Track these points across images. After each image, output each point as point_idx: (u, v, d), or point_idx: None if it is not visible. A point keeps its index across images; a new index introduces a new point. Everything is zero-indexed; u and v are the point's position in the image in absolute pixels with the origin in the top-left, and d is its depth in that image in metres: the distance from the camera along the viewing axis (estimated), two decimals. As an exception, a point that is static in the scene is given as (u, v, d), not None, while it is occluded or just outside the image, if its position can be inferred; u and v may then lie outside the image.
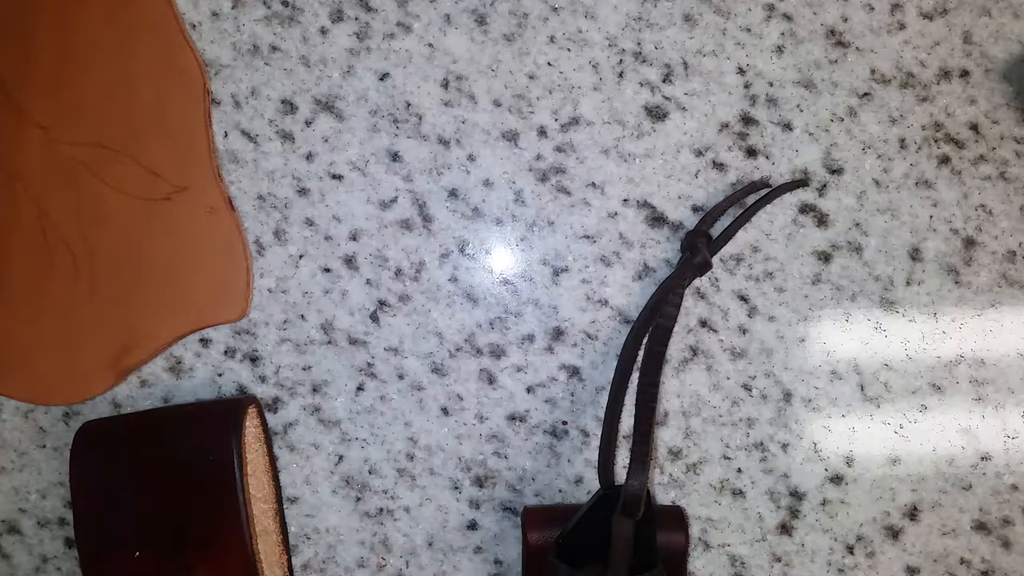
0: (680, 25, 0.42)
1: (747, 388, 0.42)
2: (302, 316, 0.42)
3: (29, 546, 0.43)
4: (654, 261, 0.42)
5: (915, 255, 0.41)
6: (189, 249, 0.42)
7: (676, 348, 0.42)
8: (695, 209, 0.42)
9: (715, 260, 0.42)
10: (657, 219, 0.42)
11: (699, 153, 0.42)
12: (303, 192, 0.42)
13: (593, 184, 0.42)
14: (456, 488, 0.42)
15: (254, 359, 0.42)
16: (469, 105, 0.42)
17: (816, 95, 0.41)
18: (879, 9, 0.41)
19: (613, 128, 0.42)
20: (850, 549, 0.41)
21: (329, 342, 0.42)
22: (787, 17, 0.41)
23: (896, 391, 0.41)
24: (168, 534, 0.37)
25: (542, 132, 0.42)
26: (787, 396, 0.42)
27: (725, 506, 0.42)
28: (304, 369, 0.42)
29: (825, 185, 0.41)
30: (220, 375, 0.42)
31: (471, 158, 0.42)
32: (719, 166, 0.42)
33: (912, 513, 0.41)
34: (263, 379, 0.42)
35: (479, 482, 0.42)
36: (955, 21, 0.41)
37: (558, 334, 0.42)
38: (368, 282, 0.42)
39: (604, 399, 0.42)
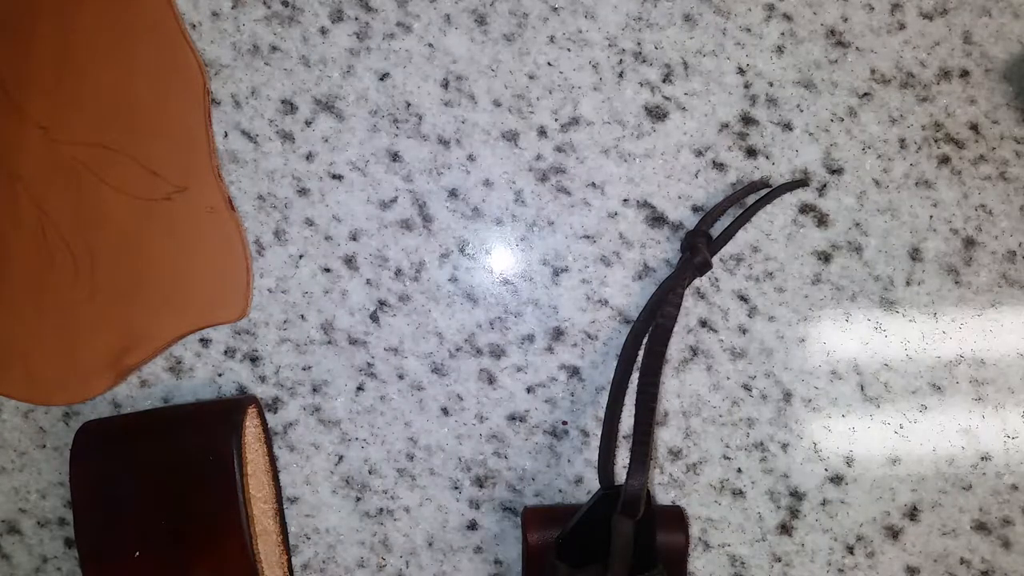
0: (680, 25, 0.42)
1: (747, 388, 0.42)
2: (302, 316, 0.42)
3: (29, 546, 0.43)
4: (654, 261, 0.42)
5: (915, 255, 0.41)
6: (189, 249, 0.42)
7: (676, 348, 0.42)
8: (695, 209, 0.42)
9: (715, 260, 0.42)
10: (657, 219, 0.42)
11: (699, 153, 0.42)
12: (303, 192, 0.42)
13: (593, 184, 0.42)
14: (456, 488, 0.42)
15: (254, 359, 0.42)
16: (469, 105, 0.42)
17: (816, 95, 0.41)
18: (879, 9, 0.41)
19: (613, 128, 0.42)
20: (850, 549, 0.41)
21: (329, 342, 0.42)
22: (787, 17, 0.41)
23: (896, 391, 0.41)
24: (168, 534, 0.37)
25: (542, 132, 0.42)
26: (787, 396, 0.42)
27: (725, 506, 0.42)
28: (304, 369, 0.42)
29: (825, 185, 0.41)
30: (220, 375, 0.42)
31: (471, 158, 0.42)
32: (719, 166, 0.42)
33: (912, 513, 0.41)
34: (263, 379, 0.42)
35: (479, 482, 0.42)
36: (955, 21, 0.41)
37: (558, 334, 0.42)
38: (368, 282, 0.42)
39: (604, 399, 0.42)
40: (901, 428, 0.41)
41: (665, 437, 0.42)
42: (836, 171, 0.41)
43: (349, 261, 0.42)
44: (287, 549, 0.42)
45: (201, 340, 0.42)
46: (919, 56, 0.41)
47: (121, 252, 0.42)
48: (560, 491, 0.42)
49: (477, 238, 0.42)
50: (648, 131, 0.42)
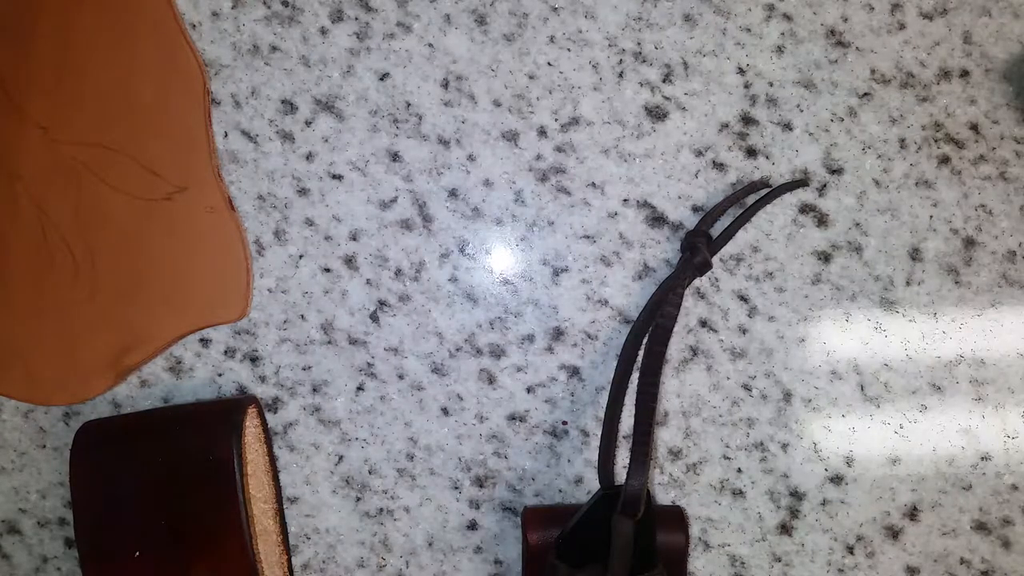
0: (680, 25, 0.42)
1: (747, 388, 0.42)
2: (302, 316, 0.42)
3: (29, 546, 0.43)
4: (654, 261, 0.42)
5: (915, 255, 0.41)
6: (189, 249, 0.42)
7: (676, 348, 0.42)
8: (695, 209, 0.42)
9: (715, 260, 0.42)
10: (657, 219, 0.42)
11: (699, 153, 0.42)
12: (303, 192, 0.42)
13: (593, 184, 0.42)
14: (456, 488, 0.42)
15: (254, 359, 0.42)
16: (469, 105, 0.42)
17: (816, 95, 0.41)
18: (879, 9, 0.41)
19: (613, 128, 0.42)
20: (850, 549, 0.41)
21: (329, 342, 0.42)
22: (787, 17, 0.41)
23: (896, 391, 0.41)
24: (168, 534, 0.37)
25: (542, 132, 0.42)
26: (787, 396, 0.42)
27: (725, 506, 0.42)
28: (304, 369, 0.42)
29: (825, 185, 0.41)
30: (220, 375, 0.42)
31: (471, 158, 0.42)
32: (719, 166, 0.42)
33: (912, 513, 0.41)
34: (263, 379, 0.42)
35: (479, 482, 0.42)
36: (955, 21, 0.41)
37: (558, 334, 0.42)
38: (368, 282, 0.42)
39: (604, 399, 0.42)
40: (901, 428, 0.41)
41: (665, 437, 0.42)
42: (836, 171, 0.41)
43: (349, 261, 0.42)
44: (287, 549, 0.42)
45: (201, 340, 0.42)
46: (919, 56, 0.41)
47: (121, 252, 0.42)
48: (560, 491, 0.42)
49: (477, 238, 0.42)
50: (648, 131, 0.42)
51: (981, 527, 0.41)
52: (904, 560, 0.41)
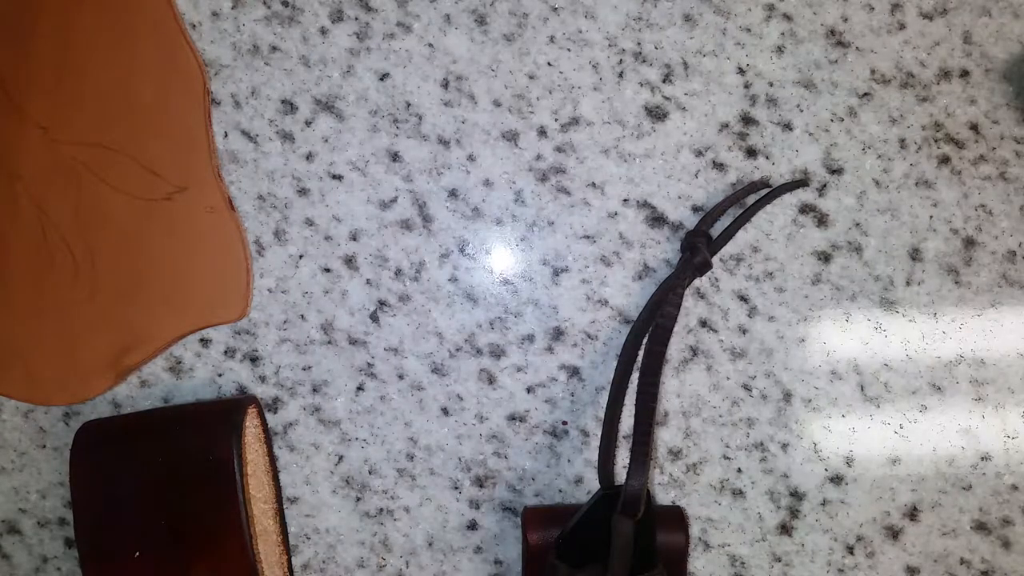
0: (680, 25, 0.42)
1: (747, 388, 0.42)
2: (302, 316, 0.42)
3: (29, 546, 0.43)
4: (654, 261, 0.42)
5: (915, 255, 0.41)
6: (189, 249, 0.42)
7: (676, 348, 0.42)
8: (695, 209, 0.42)
9: (715, 260, 0.42)
10: (657, 219, 0.42)
11: (699, 153, 0.42)
12: (303, 192, 0.42)
13: (593, 184, 0.42)
14: (456, 488, 0.42)
15: (254, 359, 0.42)
16: (469, 105, 0.42)
17: (816, 95, 0.41)
18: (879, 9, 0.41)
19: (613, 128, 0.42)
20: (850, 549, 0.41)
21: (329, 342, 0.42)
22: (787, 17, 0.41)
23: (896, 391, 0.41)
24: (168, 534, 0.37)
25: (542, 132, 0.42)
26: (787, 396, 0.42)
27: (725, 506, 0.42)
28: (304, 369, 0.42)
29: (825, 185, 0.41)
30: (220, 375, 0.42)
31: (471, 158, 0.42)
32: (719, 166, 0.42)
33: (912, 513, 0.41)
34: (263, 379, 0.42)
35: (479, 482, 0.42)
36: (955, 21, 0.41)
37: (558, 334, 0.42)
38: (368, 282, 0.42)
39: (604, 399, 0.42)
40: (901, 428, 0.41)
41: (665, 437, 0.42)
42: (836, 171, 0.41)
43: (349, 261, 0.42)
44: (287, 549, 0.42)
45: (201, 340, 0.42)
46: (919, 56, 0.41)
47: (121, 252, 0.42)
48: (560, 491, 0.42)
49: (477, 238, 0.42)
50: (648, 131, 0.42)
51: (981, 527, 0.41)
52: (904, 560, 0.41)
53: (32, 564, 0.43)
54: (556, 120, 0.42)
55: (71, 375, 0.42)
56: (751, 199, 0.41)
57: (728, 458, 0.42)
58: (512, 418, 0.42)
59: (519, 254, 0.42)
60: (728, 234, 0.40)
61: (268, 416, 0.42)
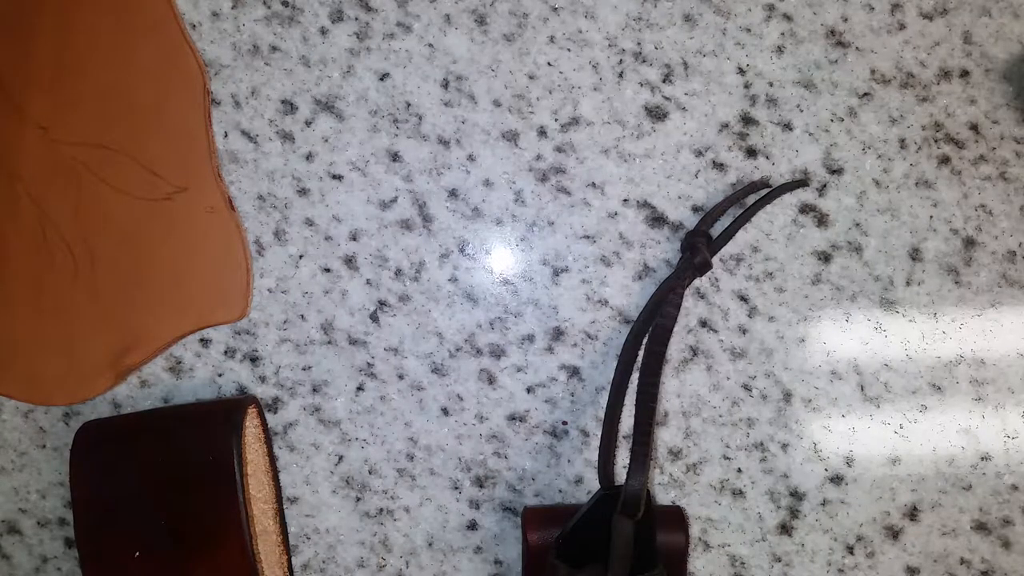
0: (680, 25, 0.42)
1: (747, 388, 0.42)
2: (302, 316, 0.42)
3: (29, 546, 0.43)
4: (654, 261, 0.42)
5: (915, 255, 0.41)
6: (189, 249, 0.42)
7: (676, 348, 0.42)
8: (695, 209, 0.42)
9: (715, 260, 0.42)
10: (657, 219, 0.42)
11: (699, 153, 0.42)
12: (303, 192, 0.42)
13: (593, 184, 0.42)
14: (456, 488, 0.42)
15: (254, 359, 0.42)
16: (469, 105, 0.42)
17: (816, 95, 0.41)
18: (879, 9, 0.41)
19: (613, 128, 0.42)
20: (850, 549, 0.41)
21: (329, 342, 0.42)
22: (787, 17, 0.41)
23: (896, 391, 0.41)
24: (168, 534, 0.37)
25: (542, 132, 0.42)
26: (787, 396, 0.42)
27: (725, 506, 0.42)
28: (304, 369, 0.42)
29: (825, 185, 0.41)
30: (220, 375, 0.42)
31: (471, 158, 0.42)
32: (719, 166, 0.42)
33: (912, 513, 0.41)
34: (263, 379, 0.42)
35: (479, 482, 0.42)
36: (955, 21, 0.41)
37: (558, 334, 0.42)
38: (368, 282, 0.42)
39: (604, 399, 0.42)
40: (901, 428, 0.41)
41: (665, 437, 0.42)
42: (836, 171, 0.41)
43: (349, 261, 0.42)
44: (287, 549, 0.42)
45: (201, 340, 0.42)
46: (919, 56, 0.41)
47: (121, 252, 0.42)
48: (560, 491, 0.42)
49: (477, 238, 0.42)
50: (648, 131, 0.42)
51: (981, 527, 0.41)
52: (904, 560, 0.41)
53: (32, 564, 0.43)
54: (556, 120, 0.42)
55: (71, 375, 0.42)
56: (751, 199, 0.41)
57: (728, 458, 0.42)
58: (512, 418, 0.42)
59: (519, 254, 0.42)
60: (728, 234, 0.40)
61: (268, 416, 0.42)
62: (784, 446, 0.42)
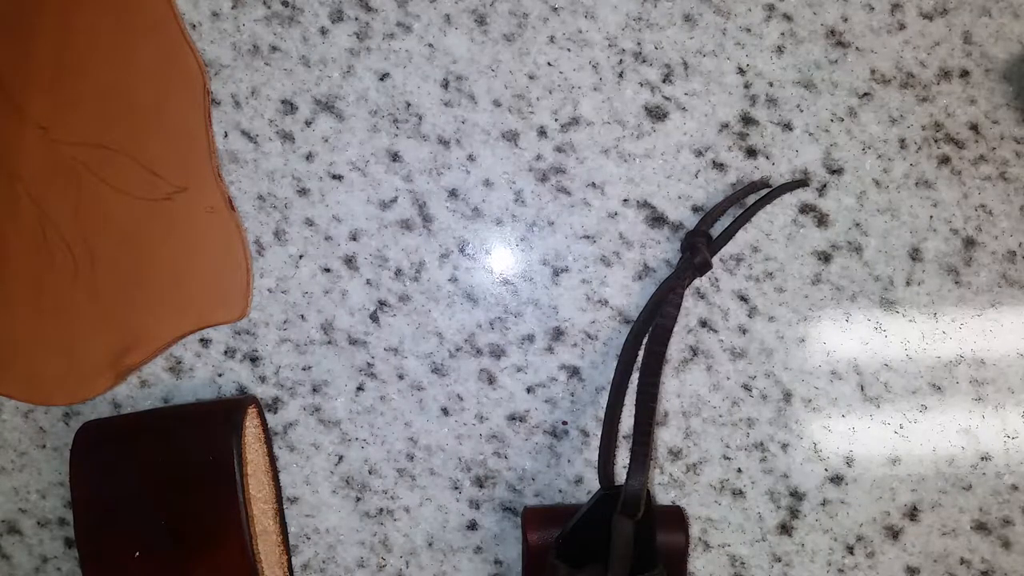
0: (680, 25, 0.42)
1: (747, 388, 0.42)
2: (302, 316, 0.42)
3: (29, 546, 0.43)
4: (654, 261, 0.42)
5: (915, 255, 0.41)
6: (189, 249, 0.42)
7: (676, 348, 0.42)
8: (695, 209, 0.42)
9: (715, 260, 0.42)
10: (657, 219, 0.42)
11: (699, 153, 0.42)
12: (303, 192, 0.42)
13: (593, 184, 0.42)
14: (456, 488, 0.42)
15: (254, 359, 0.42)
16: (469, 105, 0.42)
17: (816, 95, 0.41)
18: (879, 9, 0.41)
19: (613, 128, 0.42)
20: (850, 549, 0.41)
21: (329, 342, 0.42)
22: (787, 17, 0.41)
23: (896, 391, 0.41)
24: (168, 534, 0.37)
25: (542, 132, 0.42)
26: (787, 396, 0.42)
27: (725, 506, 0.42)
28: (304, 369, 0.42)
29: (825, 185, 0.41)
30: (220, 375, 0.42)
31: (471, 158, 0.42)
32: (719, 166, 0.42)
33: (912, 513, 0.41)
34: (263, 379, 0.42)
35: (479, 482, 0.42)
36: (955, 21, 0.41)
37: (558, 334, 0.42)
38: (368, 282, 0.42)
39: (604, 399, 0.42)
40: (901, 428, 0.41)
41: (665, 437, 0.42)
42: (836, 171, 0.41)
43: (349, 261, 0.42)
44: (287, 549, 0.42)
45: (201, 340, 0.42)
46: (919, 56, 0.41)
47: (121, 252, 0.42)
48: (560, 491, 0.42)
49: (477, 238, 0.42)
50: (648, 131, 0.42)
51: (981, 527, 0.41)
52: (904, 560, 0.41)
53: (32, 564, 0.43)
54: (556, 120, 0.42)
55: (71, 375, 0.42)
56: (751, 199, 0.41)
57: (728, 458, 0.42)
58: (512, 418, 0.42)
59: (519, 254, 0.42)
60: (728, 234, 0.40)
61: (268, 416, 0.42)
62: (784, 446, 0.42)
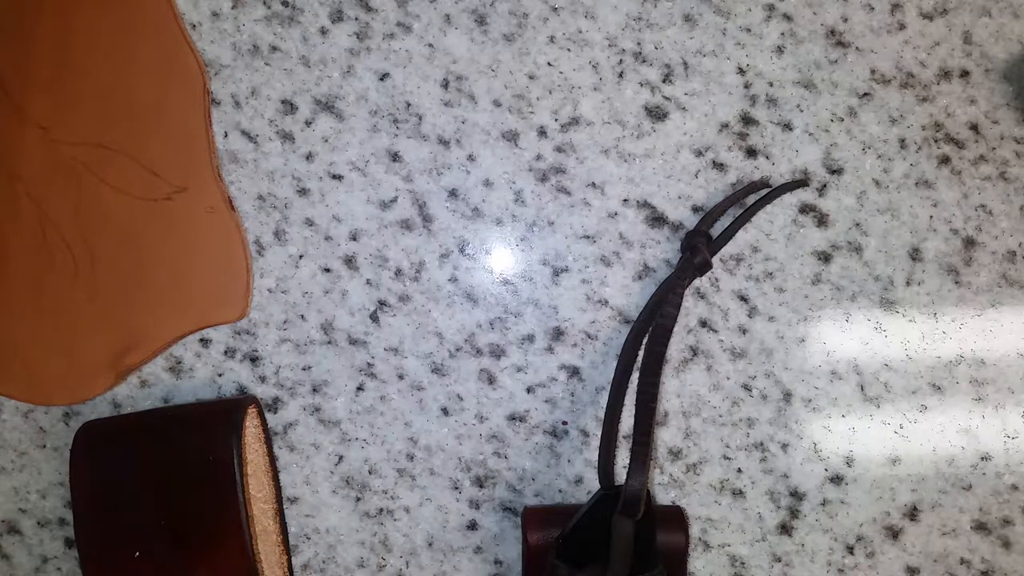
0: (680, 25, 0.42)
1: (747, 388, 0.42)
2: (302, 316, 0.42)
3: (29, 546, 0.43)
4: (654, 261, 0.42)
5: (915, 255, 0.41)
6: (189, 249, 0.42)
7: (676, 348, 0.42)
8: (695, 209, 0.42)
9: (715, 260, 0.42)
10: (657, 219, 0.42)
11: (699, 153, 0.42)
12: (303, 192, 0.42)
13: (593, 184, 0.42)
14: (456, 488, 0.42)
15: (254, 359, 0.42)
16: (469, 105, 0.42)
17: (816, 95, 0.41)
18: (879, 9, 0.41)
19: (613, 128, 0.42)
20: (850, 549, 0.41)
21: (329, 342, 0.42)
22: (787, 17, 0.41)
23: (896, 391, 0.41)
24: (168, 534, 0.37)
25: (542, 132, 0.42)
26: (787, 396, 0.42)
27: (725, 506, 0.42)
28: (304, 369, 0.42)
29: (825, 185, 0.41)
30: (220, 375, 0.42)
31: (471, 158, 0.42)
32: (719, 166, 0.42)
33: (912, 513, 0.41)
34: (263, 379, 0.42)
35: (479, 482, 0.42)
36: (955, 21, 0.41)
37: (558, 334, 0.42)
38: (368, 282, 0.42)
39: (604, 399, 0.42)
40: (901, 428, 0.41)
41: (665, 437, 0.42)
42: (836, 171, 0.41)
43: (349, 261, 0.42)
44: (287, 549, 0.42)
45: (201, 340, 0.42)
46: (919, 56, 0.41)
47: (121, 252, 0.42)
48: (560, 491, 0.42)
49: (477, 238, 0.42)
50: (648, 131, 0.42)
51: (981, 527, 0.41)
52: (904, 560, 0.41)
53: (32, 564, 0.43)
54: (556, 120, 0.42)
55: (71, 375, 0.42)
56: (751, 199, 0.41)
57: (728, 458, 0.42)
58: (512, 418, 0.42)
59: (519, 254, 0.42)
60: (728, 234, 0.40)
61: (268, 416, 0.42)
62: (784, 446, 0.42)
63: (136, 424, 0.40)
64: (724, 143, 0.42)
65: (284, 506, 0.42)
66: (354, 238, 0.42)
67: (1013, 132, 0.41)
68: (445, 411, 0.42)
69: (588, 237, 0.42)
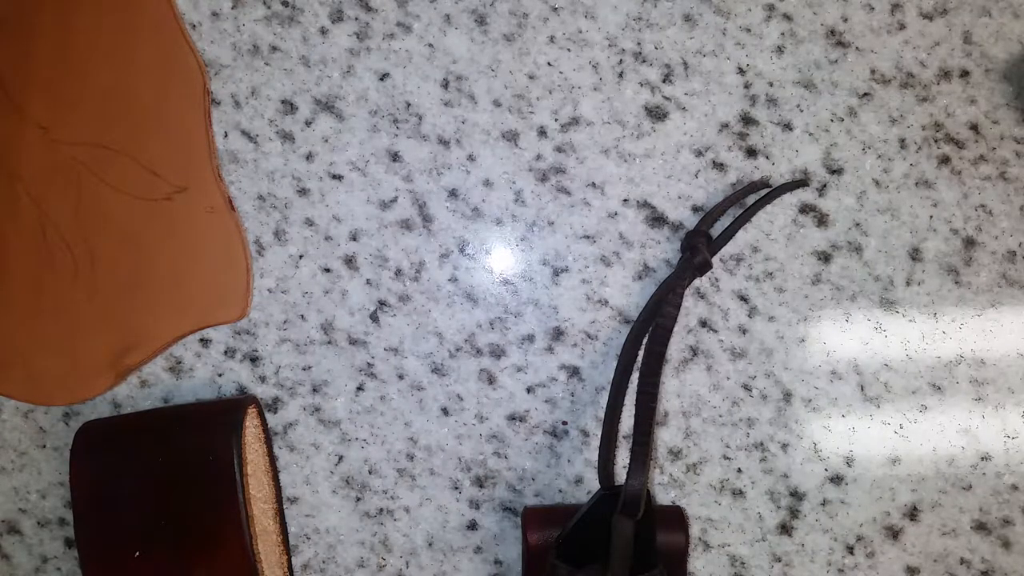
0: (680, 25, 0.42)
1: (747, 388, 0.42)
2: (302, 316, 0.42)
3: (29, 546, 0.43)
4: (654, 261, 0.42)
5: (915, 255, 0.41)
6: (189, 249, 0.42)
7: (676, 348, 0.42)
8: (695, 209, 0.42)
9: (715, 260, 0.42)
10: (657, 219, 0.42)
11: (699, 153, 0.42)
12: (303, 192, 0.42)
13: (593, 184, 0.42)
14: (456, 488, 0.42)
15: (254, 359, 0.42)
16: (469, 105, 0.42)
17: (816, 95, 0.41)
18: (879, 9, 0.41)
19: (613, 128, 0.42)
20: (850, 549, 0.41)
21: (329, 342, 0.42)
22: (787, 17, 0.41)
23: (896, 391, 0.41)
24: (168, 534, 0.37)
25: (542, 132, 0.42)
26: (787, 396, 0.42)
27: (725, 506, 0.42)
28: (304, 369, 0.42)
29: (825, 185, 0.41)
30: (220, 375, 0.42)
31: (471, 158, 0.42)
32: (719, 166, 0.42)
33: (912, 513, 0.41)
34: (263, 379, 0.42)
35: (479, 482, 0.42)
36: (955, 21, 0.41)
37: (558, 334, 0.42)
38: (368, 282, 0.42)
39: (604, 399, 0.42)
40: (901, 428, 0.41)
41: (665, 437, 0.42)
42: (836, 171, 0.41)
43: (349, 261, 0.42)
44: (287, 549, 0.42)
45: (201, 340, 0.42)
46: (919, 56, 0.41)
47: (121, 252, 0.42)
48: (560, 491, 0.42)
49: (477, 238, 0.42)
50: (648, 131, 0.42)
51: (981, 527, 0.41)
52: (904, 560, 0.41)
53: (32, 564, 0.43)
54: (556, 120, 0.42)
55: (71, 375, 0.42)
56: (751, 199, 0.41)
57: (728, 458, 0.42)
58: (512, 418, 0.42)
59: (519, 254, 0.42)
60: (728, 234, 0.40)
61: (268, 416, 0.42)
62: (784, 446, 0.42)
63: (136, 424, 0.40)
64: (724, 143, 0.42)
65: (284, 506, 0.42)
66: (354, 238, 0.42)
67: (1013, 132, 0.41)
68: (445, 411, 0.42)
69: (588, 237, 0.42)
